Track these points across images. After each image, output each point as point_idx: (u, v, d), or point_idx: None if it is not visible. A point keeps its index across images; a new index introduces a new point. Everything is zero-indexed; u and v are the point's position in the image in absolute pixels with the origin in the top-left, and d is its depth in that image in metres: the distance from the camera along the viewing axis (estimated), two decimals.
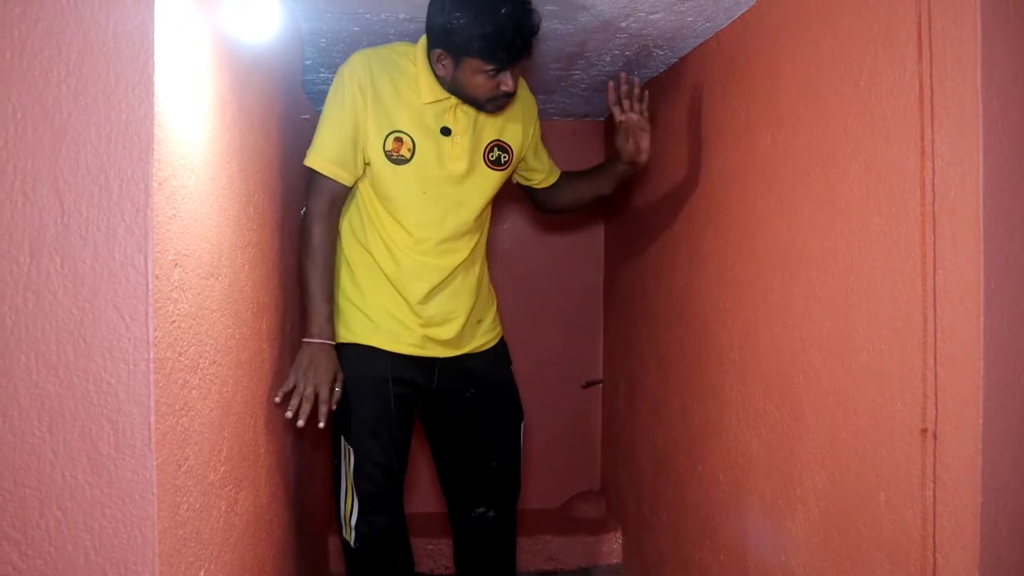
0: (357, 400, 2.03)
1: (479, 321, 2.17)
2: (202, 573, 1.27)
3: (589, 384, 3.34)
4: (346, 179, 1.94)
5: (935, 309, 1.24)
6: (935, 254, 1.24)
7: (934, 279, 1.24)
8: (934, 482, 1.25)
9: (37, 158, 1.04)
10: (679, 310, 2.39)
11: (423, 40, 1.94)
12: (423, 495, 3.13)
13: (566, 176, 2.32)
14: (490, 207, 2.14)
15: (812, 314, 1.61)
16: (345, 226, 2.07)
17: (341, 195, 1.98)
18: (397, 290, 2.03)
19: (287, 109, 2.06)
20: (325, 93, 2.66)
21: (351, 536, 2.08)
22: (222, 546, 1.38)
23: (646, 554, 2.77)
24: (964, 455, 1.19)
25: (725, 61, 1.96)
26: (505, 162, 2.08)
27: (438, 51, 1.86)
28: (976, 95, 1.15)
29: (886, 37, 1.36)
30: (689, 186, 2.29)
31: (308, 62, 2.44)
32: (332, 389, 1.89)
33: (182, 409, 1.18)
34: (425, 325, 2.06)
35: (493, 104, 1.92)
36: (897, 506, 1.34)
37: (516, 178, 2.26)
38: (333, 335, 1.95)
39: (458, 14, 1.78)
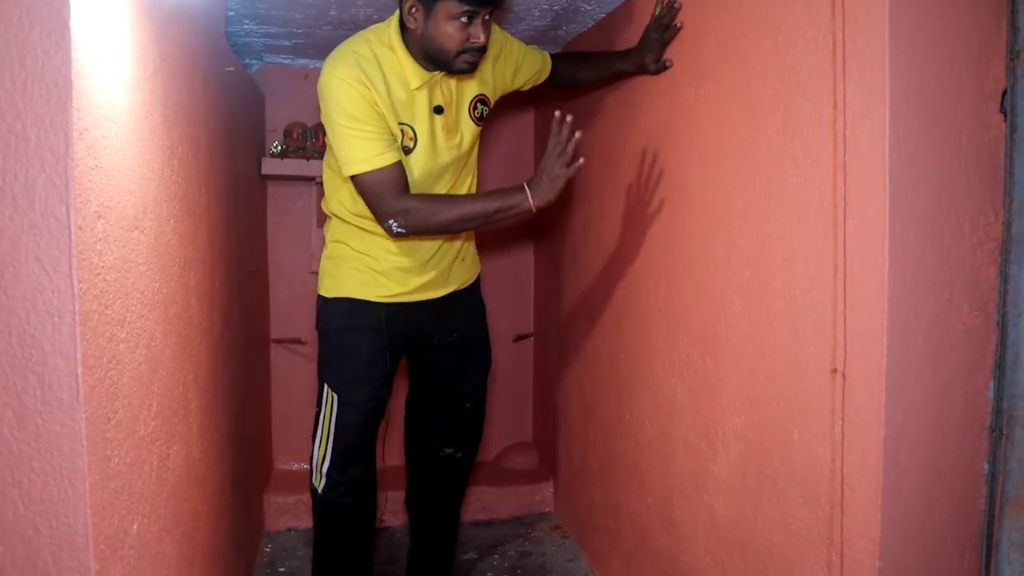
0: (348, 348, 2.13)
1: (463, 259, 2.26)
2: (135, 527, 1.27)
3: (520, 338, 3.39)
4: (398, 157, 1.91)
5: (845, 256, 1.31)
6: (846, 203, 1.30)
7: (844, 227, 1.31)
8: (843, 419, 1.33)
9: None
10: (607, 262, 2.44)
11: (394, 17, 1.90)
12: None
13: (566, 62, 2.27)
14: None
15: (732, 263, 1.67)
16: (337, 207, 2.11)
17: (404, 177, 1.91)
18: (394, 260, 2.10)
19: (210, 61, 2.01)
20: (249, 46, 2.57)
21: (320, 483, 2.16)
22: (155, 500, 1.38)
23: (577, 501, 2.85)
24: (870, 393, 1.27)
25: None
26: (487, 115, 2.11)
27: (410, 2, 1.81)
28: (884, 51, 1.21)
29: None
30: (617, 140, 2.33)
31: (231, 13, 2.36)
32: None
33: (110, 363, 1.17)
34: (419, 280, 2.15)
35: (463, 60, 1.85)
36: (809, 443, 1.42)
37: (524, 88, 2.25)
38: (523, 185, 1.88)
39: None
